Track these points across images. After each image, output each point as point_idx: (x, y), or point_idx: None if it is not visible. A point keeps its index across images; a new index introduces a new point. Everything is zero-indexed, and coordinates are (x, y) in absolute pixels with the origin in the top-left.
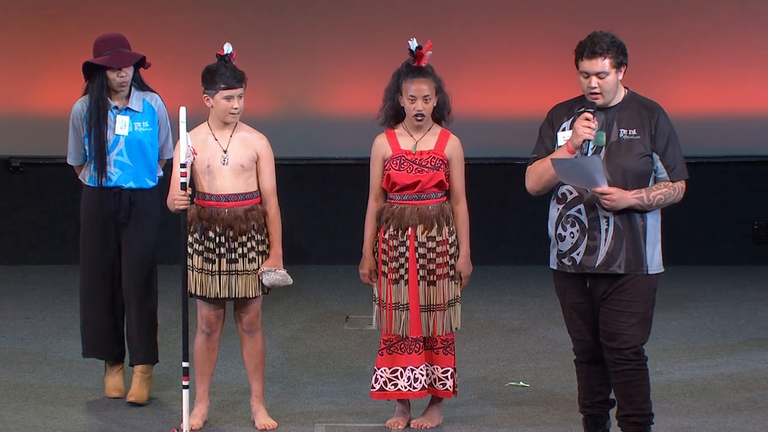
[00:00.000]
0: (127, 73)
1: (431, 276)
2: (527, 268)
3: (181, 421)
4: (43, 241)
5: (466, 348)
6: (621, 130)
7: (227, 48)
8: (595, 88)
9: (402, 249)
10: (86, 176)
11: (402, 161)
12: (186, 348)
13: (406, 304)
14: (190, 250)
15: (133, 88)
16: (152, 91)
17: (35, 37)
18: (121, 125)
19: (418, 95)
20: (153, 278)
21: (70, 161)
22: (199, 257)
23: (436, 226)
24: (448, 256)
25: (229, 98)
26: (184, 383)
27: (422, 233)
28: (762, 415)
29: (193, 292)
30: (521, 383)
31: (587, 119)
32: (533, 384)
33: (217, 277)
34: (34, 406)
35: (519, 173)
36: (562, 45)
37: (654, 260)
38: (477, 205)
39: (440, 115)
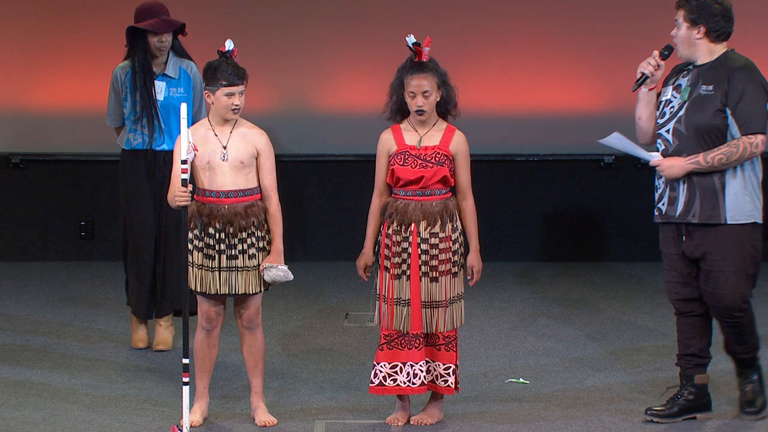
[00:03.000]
0: (167, 39)
1: (433, 272)
2: (528, 265)
3: (181, 418)
4: (43, 238)
5: (466, 344)
6: (702, 86)
7: (228, 45)
8: (674, 36)
9: (405, 245)
10: (123, 140)
11: (406, 156)
12: (186, 344)
13: (408, 299)
14: (190, 246)
15: (171, 55)
16: (189, 58)
17: (35, 34)
18: (157, 90)
19: (417, 91)
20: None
21: (108, 123)
22: (199, 253)
23: (439, 222)
24: (450, 253)
25: (230, 95)
26: (184, 380)
27: (425, 229)
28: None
29: (193, 288)
30: (521, 380)
31: (653, 56)
32: (533, 381)
33: (217, 273)
34: (34, 403)
35: (519, 170)
36: (563, 41)
37: (736, 209)
38: (478, 202)
39: (445, 109)
